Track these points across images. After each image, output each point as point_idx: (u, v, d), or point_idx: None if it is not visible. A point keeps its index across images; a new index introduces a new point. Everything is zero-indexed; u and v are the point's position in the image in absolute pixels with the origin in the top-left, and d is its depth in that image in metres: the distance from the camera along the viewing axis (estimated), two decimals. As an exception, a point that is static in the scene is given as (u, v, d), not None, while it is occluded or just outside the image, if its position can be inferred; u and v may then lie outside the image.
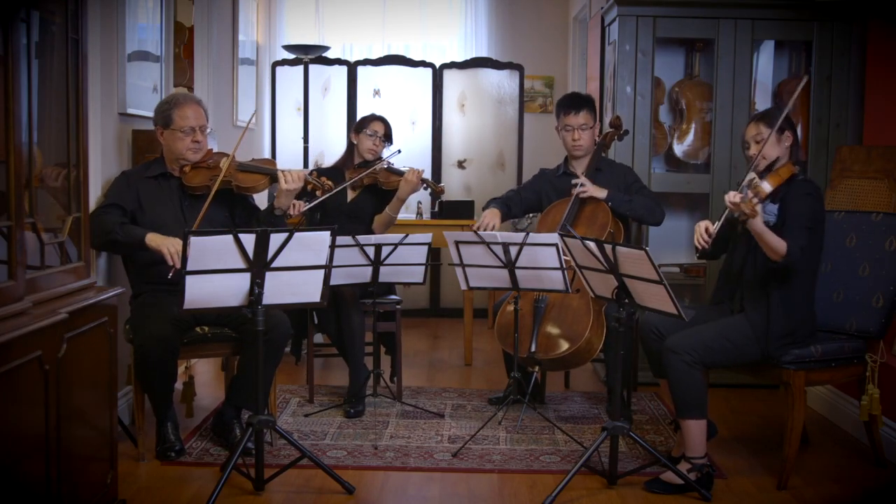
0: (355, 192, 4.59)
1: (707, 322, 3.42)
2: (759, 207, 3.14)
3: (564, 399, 4.51)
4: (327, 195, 4.09)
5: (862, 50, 4.52)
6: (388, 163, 4.55)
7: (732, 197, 3.18)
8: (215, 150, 3.89)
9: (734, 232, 3.48)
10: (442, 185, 4.53)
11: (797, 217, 3.28)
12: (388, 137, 4.61)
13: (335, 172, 4.52)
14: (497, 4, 7.00)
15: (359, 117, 5.01)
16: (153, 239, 3.47)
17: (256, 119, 6.56)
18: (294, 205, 3.96)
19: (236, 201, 3.83)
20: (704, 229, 3.32)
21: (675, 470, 3.26)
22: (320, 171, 4.43)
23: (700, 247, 3.33)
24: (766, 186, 3.24)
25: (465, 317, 5.34)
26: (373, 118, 4.62)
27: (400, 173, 4.49)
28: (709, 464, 3.30)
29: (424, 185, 4.48)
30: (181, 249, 3.24)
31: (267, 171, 3.80)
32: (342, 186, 4.38)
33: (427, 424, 4.04)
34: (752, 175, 3.30)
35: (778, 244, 3.21)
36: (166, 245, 3.45)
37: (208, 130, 3.78)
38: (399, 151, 4.60)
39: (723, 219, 3.30)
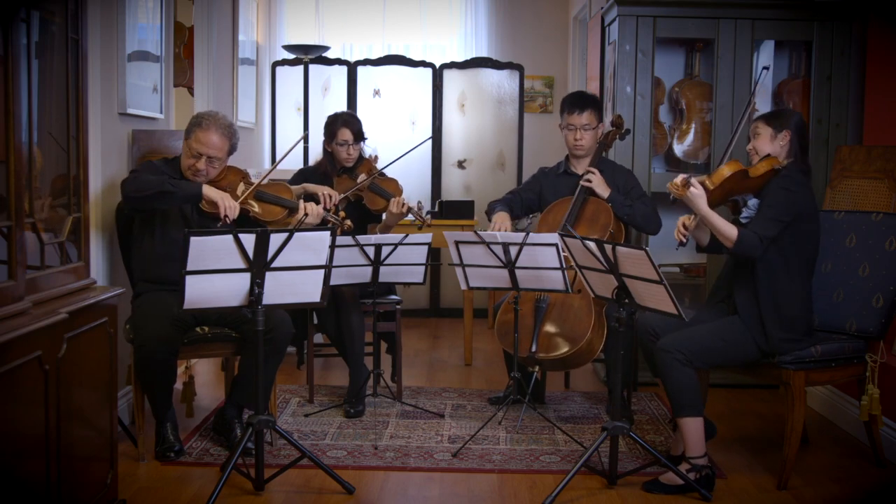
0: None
1: (703, 323, 3.42)
2: (693, 191, 3.19)
3: (564, 399, 4.51)
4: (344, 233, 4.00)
5: (862, 50, 4.52)
6: (377, 172, 4.34)
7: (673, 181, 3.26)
8: None
9: None
10: (429, 215, 4.27)
11: (765, 208, 3.31)
12: (358, 138, 4.41)
13: (323, 180, 4.40)
14: (497, 4, 7.00)
15: (356, 116, 4.63)
16: (210, 189, 3.57)
17: (256, 119, 6.56)
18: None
19: (247, 221, 3.78)
20: (682, 223, 3.37)
21: (675, 470, 3.26)
22: (305, 172, 4.43)
23: (678, 240, 3.37)
24: (717, 175, 3.30)
25: (465, 317, 5.34)
26: (339, 125, 4.39)
27: (385, 195, 4.29)
28: (709, 465, 3.29)
29: (410, 214, 4.27)
30: (235, 207, 3.56)
31: (286, 204, 3.77)
32: (340, 223, 3.98)
33: (427, 424, 4.04)
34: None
35: (728, 230, 3.24)
36: (223, 198, 3.55)
37: (219, 159, 3.67)
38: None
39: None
